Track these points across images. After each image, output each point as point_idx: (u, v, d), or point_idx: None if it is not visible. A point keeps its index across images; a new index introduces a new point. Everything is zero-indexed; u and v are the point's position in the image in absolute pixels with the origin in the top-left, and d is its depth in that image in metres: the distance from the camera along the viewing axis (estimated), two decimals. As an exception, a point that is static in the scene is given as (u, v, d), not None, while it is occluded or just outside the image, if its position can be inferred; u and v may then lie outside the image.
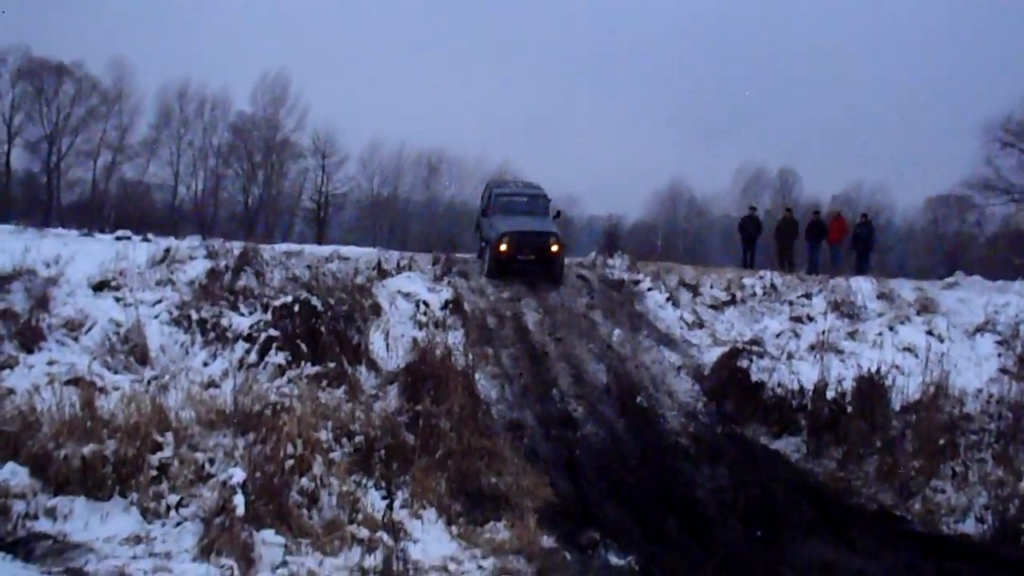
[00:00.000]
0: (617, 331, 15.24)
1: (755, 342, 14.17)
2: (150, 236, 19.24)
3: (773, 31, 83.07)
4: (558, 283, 17.43)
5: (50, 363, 10.19)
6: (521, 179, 22.02)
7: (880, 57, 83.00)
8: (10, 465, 7.33)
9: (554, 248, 17.51)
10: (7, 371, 9.88)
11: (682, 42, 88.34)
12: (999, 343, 14.10)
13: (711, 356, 14.13)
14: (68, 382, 9.19)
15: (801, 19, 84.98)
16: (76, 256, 13.71)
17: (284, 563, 6.85)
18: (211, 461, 8.08)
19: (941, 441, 10.08)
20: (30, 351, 10.63)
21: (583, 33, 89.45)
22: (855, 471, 10.45)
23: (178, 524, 7.27)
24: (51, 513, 7.17)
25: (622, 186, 72.72)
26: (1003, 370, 12.46)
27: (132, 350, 11.13)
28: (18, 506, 7.02)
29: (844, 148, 72.75)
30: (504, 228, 17.64)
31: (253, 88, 52.62)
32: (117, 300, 12.47)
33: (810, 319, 15.98)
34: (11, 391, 8.94)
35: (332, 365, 10.84)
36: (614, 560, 7.80)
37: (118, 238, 18.31)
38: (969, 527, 8.95)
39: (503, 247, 17.33)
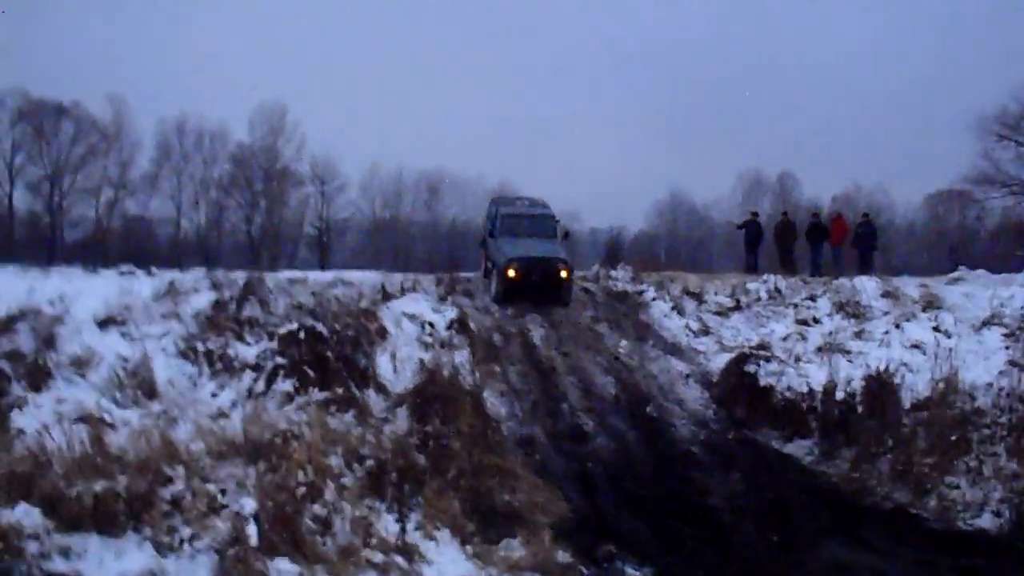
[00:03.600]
0: (623, 342, 15.23)
1: (762, 346, 14.15)
2: (154, 270, 19.27)
3: (766, 35, 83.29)
4: (566, 305, 17.32)
5: (59, 401, 10.18)
6: (527, 196, 21.74)
7: (873, 55, 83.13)
8: (22, 506, 7.32)
9: (563, 274, 17.39)
10: (16, 411, 9.87)
11: (675, 51, 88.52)
12: (1006, 336, 14.03)
13: (719, 363, 14.12)
14: (77, 420, 9.20)
15: (793, 22, 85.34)
16: (81, 293, 13.71)
17: (300, 591, 6.84)
18: (223, 492, 8.07)
19: (953, 437, 10.05)
20: (38, 390, 10.62)
21: (577, 47, 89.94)
22: (868, 471, 10.41)
23: (192, 557, 7.25)
24: (65, 552, 7.14)
25: (623, 197, 72.47)
26: (1012, 363, 12.38)
27: (140, 385, 11.12)
28: (32, 547, 7.00)
29: (842, 148, 72.95)
30: (512, 253, 17.46)
31: (250, 118, 53.02)
32: (123, 335, 12.46)
33: (816, 321, 15.96)
34: (21, 431, 8.93)
35: (340, 390, 10.83)
36: (631, 572, 7.79)
37: (122, 273, 18.31)
38: (986, 522, 8.93)
39: (512, 273, 17.17)
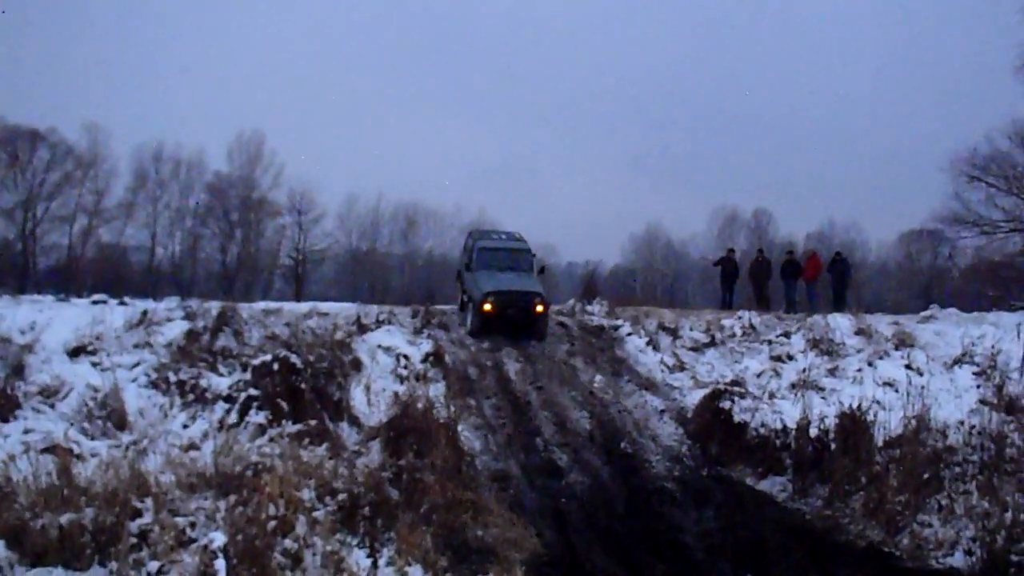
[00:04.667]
0: (598, 377, 15.23)
1: (736, 383, 14.19)
2: (127, 299, 19.13)
3: (743, 75, 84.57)
4: (542, 339, 17.38)
5: (26, 431, 10.06)
6: (503, 230, 21.86)
7: (848, 96, 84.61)
8: (-14, 538, 7.20)
9: (539, 308, 17.48)
10: (-18, 441, 9.74)
11: (652, 88, 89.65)
12: (977, 374, 14.19)
13: (693, 398, 14.13)
14: (44, 450, 9.06)
15: (770, 62, 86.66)
16: (52, 322, 13.60)
17: (268, 627, 6.73)
18: (192, 525, 7.95)
19: (925, 475, 10.09)
20: (5, 420, 10.49)
21: (556, 83, 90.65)
22: (842, 508, 10.42)
23: (159, 591, 7.13)
24: (29, 585, 7.02)
25: (599, 232, 73.21)
26: (982, 401, 12.54)
27: (110, 415, 11.01)
28: (-6, 580, 6.89)
29: (817, 186, 73.86)
30: (489, 287, 17.52)
31: (228, 148, 52.88)
32: (94, 365, 12.35)
33: (790, 358, 16.05)
34: (-14, 462, 8.79)
35: (313, 422, 10.76)
36: (604, 609, 7.72)
37: (94, 302, 18.18)
38: (958, 560, 8.92)
39: (488, 307, 17.24)
